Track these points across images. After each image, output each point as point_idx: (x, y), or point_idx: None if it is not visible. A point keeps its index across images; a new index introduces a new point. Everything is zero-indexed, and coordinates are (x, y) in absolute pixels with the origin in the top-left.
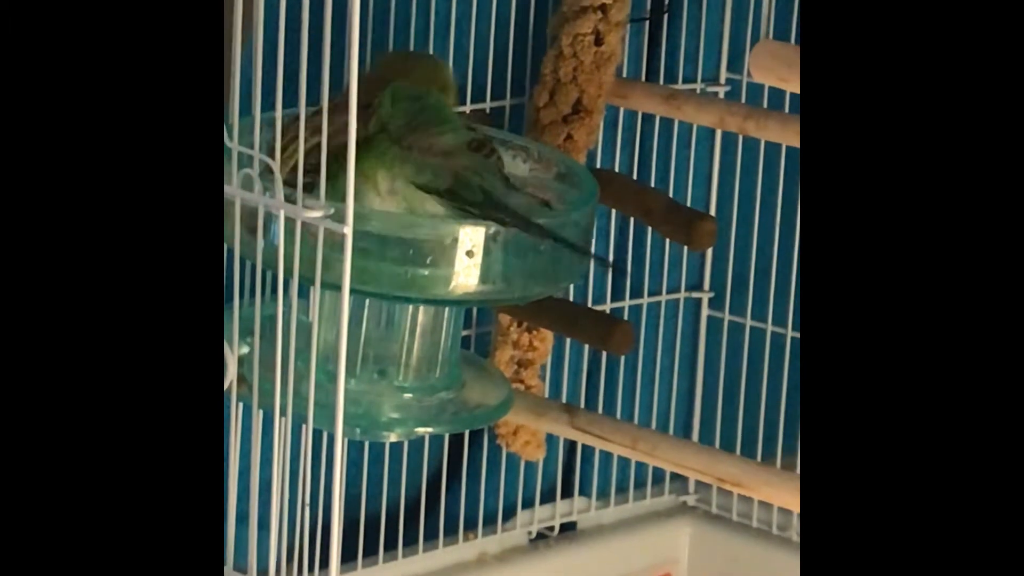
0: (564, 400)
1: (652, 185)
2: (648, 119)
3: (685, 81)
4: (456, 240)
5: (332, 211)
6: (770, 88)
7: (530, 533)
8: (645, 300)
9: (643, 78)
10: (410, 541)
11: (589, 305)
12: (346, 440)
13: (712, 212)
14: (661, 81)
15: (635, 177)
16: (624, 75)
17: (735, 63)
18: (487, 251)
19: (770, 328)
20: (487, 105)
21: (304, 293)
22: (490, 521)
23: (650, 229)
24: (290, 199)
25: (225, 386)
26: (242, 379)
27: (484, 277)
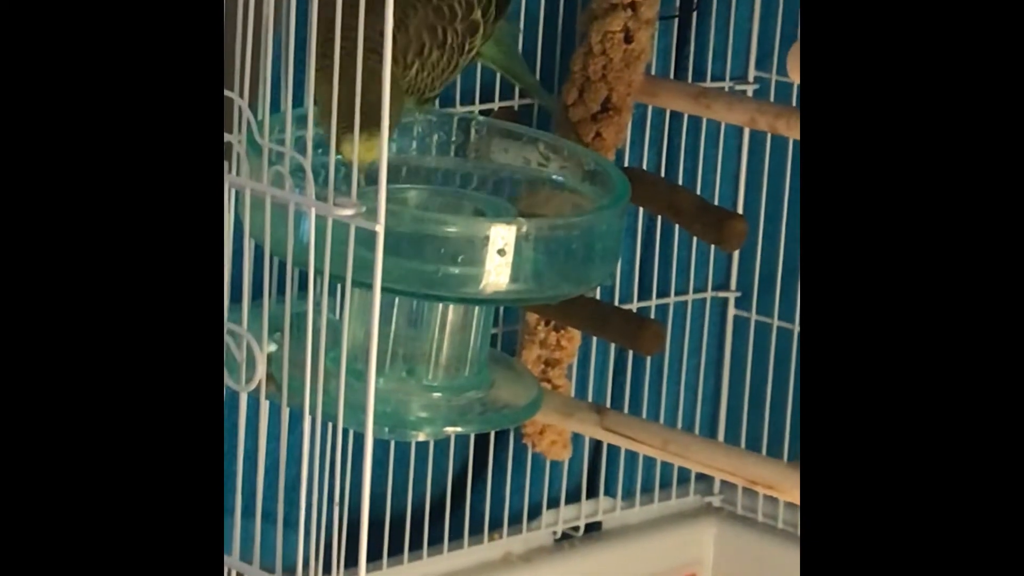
0: (590, 399)
1: (680, 183)
2: (676, 117)
3: (714, 79)
4: (488, 238)
5: (364, 209)
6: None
7: (555, 533)
8: (672, 299)
9: (672, 76)
10: (435, 540)
11: (616, 304)
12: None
13: (739, 211)
14: (690, 79)
15: (663, 175)
16: (653, 73)
17: (763, 61)
18: (518, 250)
19: (797, 328)
20: (515, 103)
21: (333, 290)
22: (515, 521)
23: (677, 228)
24: (321, 196)
25: (253, 385)
26: (271, 377)
27: (515, 276)
